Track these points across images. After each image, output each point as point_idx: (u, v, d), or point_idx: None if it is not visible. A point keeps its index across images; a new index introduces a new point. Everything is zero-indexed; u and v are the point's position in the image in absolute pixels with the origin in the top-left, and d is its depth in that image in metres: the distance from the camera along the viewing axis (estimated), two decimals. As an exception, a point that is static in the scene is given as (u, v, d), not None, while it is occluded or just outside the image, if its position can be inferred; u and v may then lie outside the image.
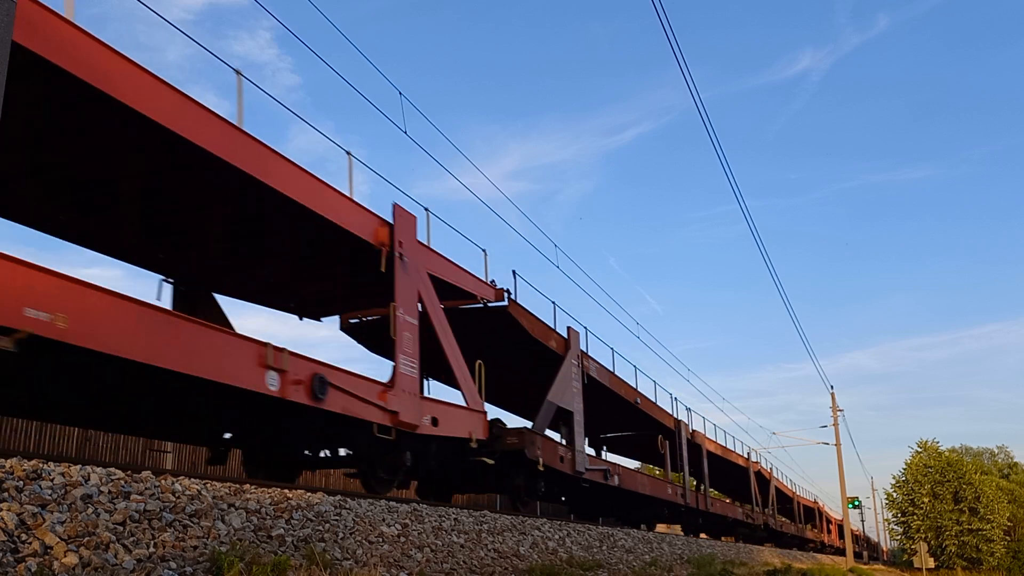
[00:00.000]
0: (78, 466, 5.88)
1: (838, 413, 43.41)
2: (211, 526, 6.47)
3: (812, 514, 57.03)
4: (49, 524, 5.14)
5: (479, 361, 13.43)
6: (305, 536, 7.54)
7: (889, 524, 57.65)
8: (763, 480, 39.03)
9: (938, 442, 53.00)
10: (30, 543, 4.95)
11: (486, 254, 13.95)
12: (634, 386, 21.54)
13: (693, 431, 27.81)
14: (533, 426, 14.88)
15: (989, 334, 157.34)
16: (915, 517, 50.23)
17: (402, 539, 9.11)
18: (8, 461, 5.42)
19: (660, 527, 29.76)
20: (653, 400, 23.49)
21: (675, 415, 25.87)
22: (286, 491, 8.02)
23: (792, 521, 47.51)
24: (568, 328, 17.06)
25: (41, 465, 5.55)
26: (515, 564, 11.21)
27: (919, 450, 52.83)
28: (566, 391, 16.47)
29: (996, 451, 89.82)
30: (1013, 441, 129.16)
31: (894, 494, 52.92)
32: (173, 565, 5.77)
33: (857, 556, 65.26)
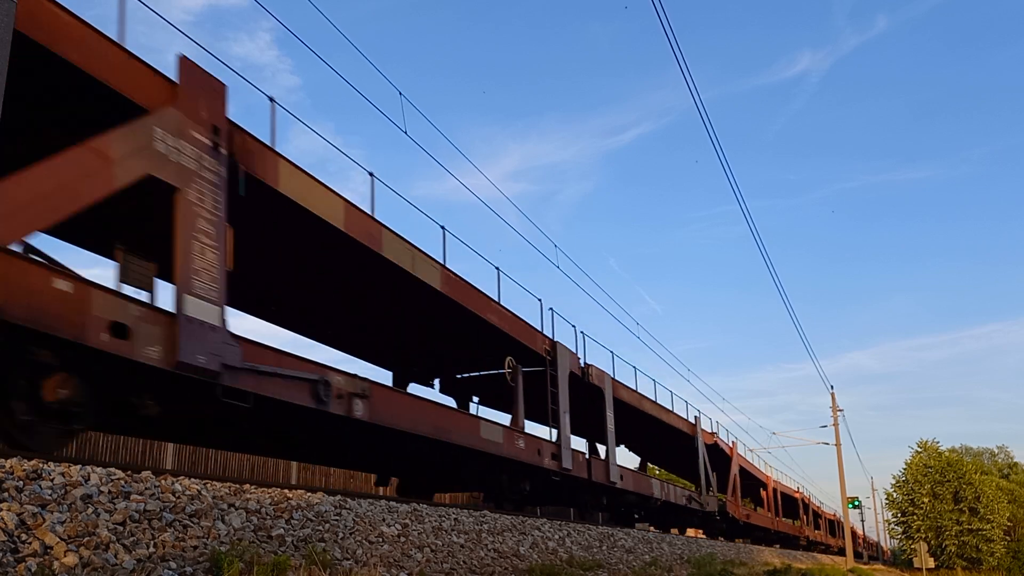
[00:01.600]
0: (78, 466, 5.88)
1: (838, 413, 43.42)
2: (211, 526, 6.47)
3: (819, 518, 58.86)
4: (49, 524, 5.15)
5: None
6: (305, 536, 7.54)
7: (889, 524, 57.66)
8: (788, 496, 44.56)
9: (938, 442, 53.00)
10: (30, 543, 4.96)
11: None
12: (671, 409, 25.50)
13: (735, 452, 32.15)
14: (605, 457, 19.15)
15: (989, 334, 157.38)
16: (915, 517, 50.20)
17: (402, 539, 9.11)
18: (8, 461, 5.42)
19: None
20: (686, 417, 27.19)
21: (728, 442, 30.99)
22: (286, 491, 8.03)
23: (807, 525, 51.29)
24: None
25: (41, 465, 5.55)
26: (515, 564, 11.21)
27: (919, 450, 52.81)
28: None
29: (996, 451, 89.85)
30: (1013, 441, 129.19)
31: (894, 494, 52.90)
32: (173, 565, 5.78)
33: (857, 556, 65.30)
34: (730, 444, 31.99)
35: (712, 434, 29.38)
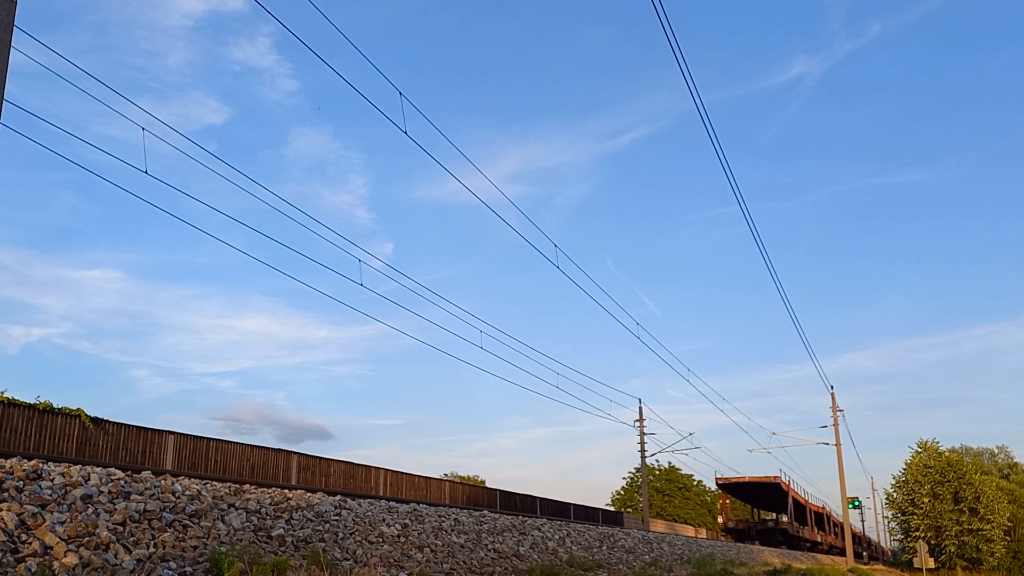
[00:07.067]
0: (78, 466, 5.88)
1: (838, 413, 43.43)
2: (211, 526, 6.47)
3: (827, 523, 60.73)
4: (49, 524, 5.15)
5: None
6: (305, 536, 7.54)
7: (889, 524, 57.71)
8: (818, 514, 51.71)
9: (938, 442, 53.00)
10: (30, 543, 4.96)
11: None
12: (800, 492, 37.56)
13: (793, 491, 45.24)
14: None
15: (987, 335, 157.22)
16: (915, 517, 50.20)
17: (402, 539, 9.11)
18: (8, 461, 5.42)
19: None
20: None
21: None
22: (286, 491, 8.03)
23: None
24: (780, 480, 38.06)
25: (41, 465, 5.55)
26: (515, 564, 11.21)
27: (919, 450, 52.80)
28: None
29: (996, 451, 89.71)
30: (1013, 441, 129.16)
31: (894, 494, 52.90)
32: (173, 565, 5.78)
33: (858, 556, 65.40)
34: None
35: None
